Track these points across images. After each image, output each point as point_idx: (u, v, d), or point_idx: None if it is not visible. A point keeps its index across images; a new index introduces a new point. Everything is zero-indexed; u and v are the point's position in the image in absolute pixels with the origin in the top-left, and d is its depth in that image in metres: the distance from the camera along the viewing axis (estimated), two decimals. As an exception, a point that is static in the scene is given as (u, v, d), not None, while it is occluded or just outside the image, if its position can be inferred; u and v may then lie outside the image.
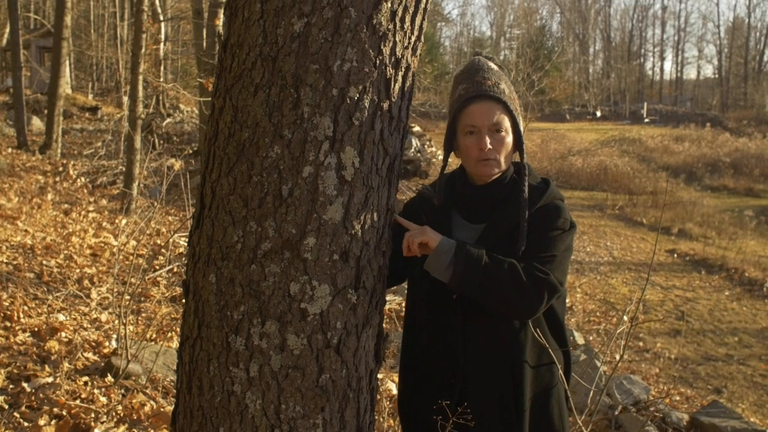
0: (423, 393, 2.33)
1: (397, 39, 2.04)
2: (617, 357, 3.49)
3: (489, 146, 2.21)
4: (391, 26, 2.01)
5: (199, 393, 2.08)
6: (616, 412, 5.29)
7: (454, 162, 2.46)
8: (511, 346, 2.22)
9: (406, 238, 2.17)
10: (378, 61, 1.99)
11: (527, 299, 2.10)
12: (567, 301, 11.16)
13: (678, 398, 7.78)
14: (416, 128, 24.96)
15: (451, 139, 2.33)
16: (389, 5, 1.99)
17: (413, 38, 2.10)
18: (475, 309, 2.20)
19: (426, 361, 2.34)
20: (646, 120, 48.67)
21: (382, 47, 2.00)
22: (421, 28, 2.13)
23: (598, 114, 52.73)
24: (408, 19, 2.06)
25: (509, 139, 2.25)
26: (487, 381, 2.23)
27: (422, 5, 2.10)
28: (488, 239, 2.20)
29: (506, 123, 2.24)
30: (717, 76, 69.51)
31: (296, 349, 1.98)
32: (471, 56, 2.42)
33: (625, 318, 3.79)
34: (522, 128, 2.30)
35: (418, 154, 22.37)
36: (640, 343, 10.21)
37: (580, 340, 7.98)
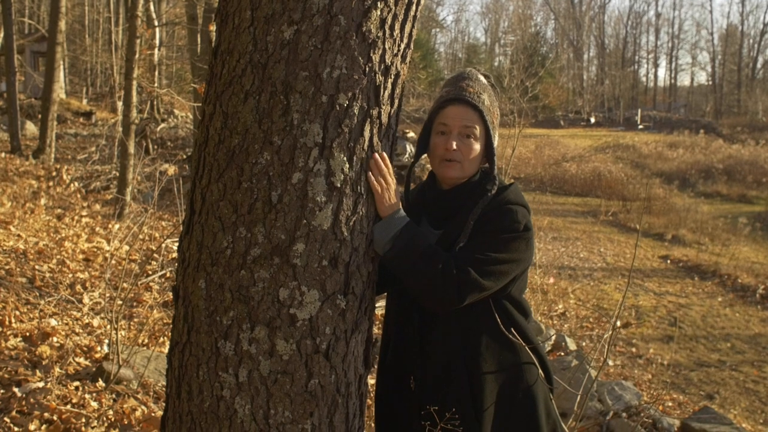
0: (389, 397, 2.40)
1: (387, 46, 2.05)
2: (608, 362, 3.50)
3: (454, 147, 2.25)
4: (380, 34, 2.02)
5: (189, 398, 2.09)
6: (608, 418, 5.30)
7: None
8: (463, 350, 2.25)
9: (379, 179, 2.14)
10: (367, 69, 2.01)
11: (446, 291, 2.10)
12: (560, 307, 11.17)
13: (670, 404, 7.78)
14: (411, 134, 24.99)
15: (426, 138, 2.37)
16: (379, 13, 2.00)
17: (403, 46, 2.12)
18: (431, 311, 2.24)
19: (392, 364, 2.40)
20: (640, 126, 48.81)
21: (371, 55, 2.01)
22: (410, 35, 2.15)
23: (592, 120, 52.87)
24: (397, 26, 2.07)
25: (477, 146, 2.29)
26: (443, 385, 2.26)
27: (412, 13, 2.12)
28: (443, 245, 2.22)
29: (478, 131, 2.28)
30: (710, 82, 69.86)
31: (285, 354, 1.99)
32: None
33: (618, 323, 3.80)
34: (495, 142, 2.34)
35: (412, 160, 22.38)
36: (633, 349, 10.21)
37: (573, 346, 7.98)
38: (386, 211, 2.14)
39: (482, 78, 2.36)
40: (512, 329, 2.28)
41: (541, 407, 2.30)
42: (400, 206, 2.18)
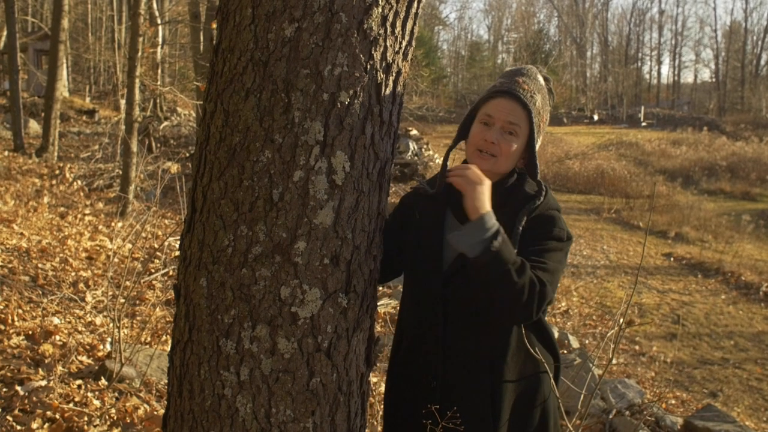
0: (404, 394, 2.34)
1: (388, 44, 2.04)
2: (612, 360, 3.50)
3: (493, 141, 2.18)
4: (381, 31, 2.01)
5: (190, 396, 2.09)
6: (611, 416, 5.29)
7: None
8: (491, 352, 2.20)
9: (466, 170, 2.08)
10: (369, 66, 2.00)
11: (529, 305, 2.02)
12: (563, 304, 11.16)
13: (674, 402, 7.78)
14: (413, 132, 24.99)
15: (468, 125, 2.30)
16: (380, 10, 1.99)
17: (404, 43, 2.11)
18: (457, 312, 2.19)
19: (408, 362, 2.34)
20: (644, 124, 48.78)
21: (372, 52, 2.01)
22: (412, 33, 2.14)
23: (596, 118, 52.83)
24: (399, 24, 2.06)
25: (516, 145, 2.20)
26: (464, 388, 2.21)
27: (413, 10, 2.11)
28: None
29: (521, 130, 2.20)
30: (714, 79, 69.83)
31: (287, 352, 1.98)
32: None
33: (622, 321, 3.79)
34: (537, 145, 2.26)
35: (415, 158, 22.38)
36: (636, 347, 10.20)
37: (576, 344, 7.99)
38: (477, 213, 2.03)
39: (540, 79, 2.29)
40: (542, 334, 2.28)
41: (552, 421, 2.28)
42: (490, 209, 2.06)
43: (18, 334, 4.60)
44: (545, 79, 2.33)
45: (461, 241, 2.01)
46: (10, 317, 4.81)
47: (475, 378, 2.20)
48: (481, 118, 2.24)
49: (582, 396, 3.59)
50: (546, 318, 2.36)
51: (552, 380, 2.31)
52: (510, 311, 2.07)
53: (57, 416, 3.55)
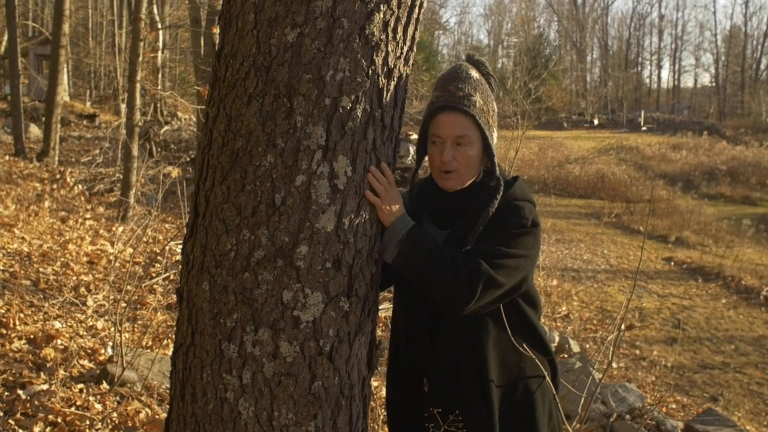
0: (403, 400, 2.39)
1: (390, 49, 2.05)
2: (612, 364, 3.51)
3: (449, 158, 2.21)
4: (383, 36, 2.03)
5: (193, 400, 2.09)
6: (611, 420, 5.29)
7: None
8: (472, 350, 2.23)
9: (378, 188, 2.12)
10: (370, 71, 2.01)
11: (462, 287, 2.07)
12: (564, 309, 11.15)
13: (674, 406, 7.78)
14: (414, 136, 24.99)
15: (424, 143, 2.34)
16: (382, 16, 2.01)
17: (405, 48, 2.12)
18: (440, 316, 2.23)
19: (403, 368, 2.38)
20: (644, 128, 48.75)
21: (374, 57, 2.02)
22: (413, 38, 2.15)
23: (596, 122, 52.81)
24: (400, 29, 2.08)
25: (473, 152, 2.23)
26: (454, 387, 2.24)
27: (414, 16, 2.12)
28: (450, 245, 2.19)
29: (472, 136, 2.21)
30: (714, 84, 69.81)
31: (289, 356, 1.99)
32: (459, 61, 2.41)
33: (622, 326, 3.80)
34: (494, 140, 2.27)
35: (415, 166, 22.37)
36: (637, 351, 10.20)
37: (576, 348, 7.98)
38: (389, 219, 2.13)
39: (474, 73, 2.27)
40: (526, 329, 2.30)
41: (540, 410, 2.29)
42: (404, 211, 2.16)
43: (19, 338, 4.60)
44: (479, 64, 2.34)
45: (382, 250, 2.17)
46: (11, 321, 4.81)
47: (462, 375, 2.24)
48: (431, 139, 2.27)
49: (582, 399, 3.60)
50: (541, 321, 2.38)
51: (547, 381, 2.32)
52: (442, 298, 2.13)
53: (59, 420, 3.55)
